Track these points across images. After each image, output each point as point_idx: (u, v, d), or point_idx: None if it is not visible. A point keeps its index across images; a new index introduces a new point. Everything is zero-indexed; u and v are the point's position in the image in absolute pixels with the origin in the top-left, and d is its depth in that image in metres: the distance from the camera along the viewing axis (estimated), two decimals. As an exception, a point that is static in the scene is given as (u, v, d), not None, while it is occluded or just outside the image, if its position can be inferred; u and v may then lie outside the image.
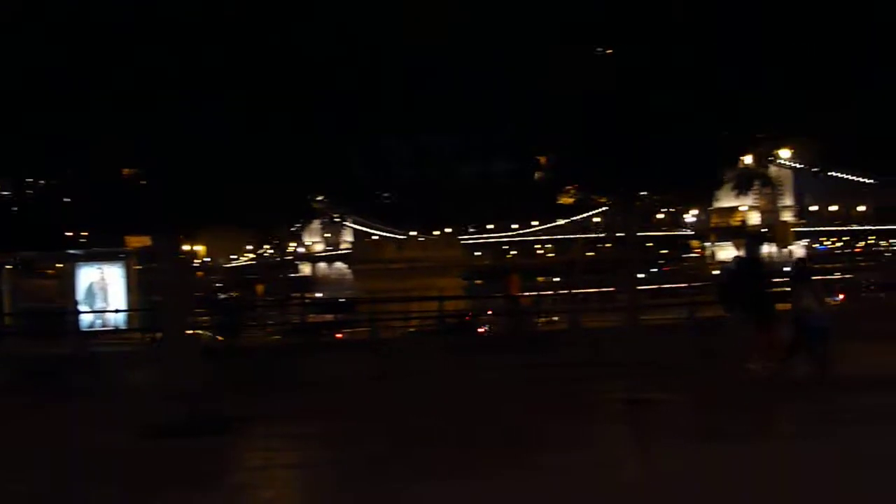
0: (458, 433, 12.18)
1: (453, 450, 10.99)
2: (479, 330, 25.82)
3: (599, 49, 13.47)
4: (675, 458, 10.16)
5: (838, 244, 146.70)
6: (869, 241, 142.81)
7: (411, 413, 14.11)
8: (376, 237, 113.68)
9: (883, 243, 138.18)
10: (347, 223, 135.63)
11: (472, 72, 13.38)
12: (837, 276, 39.69)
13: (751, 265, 16.49)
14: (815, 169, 19.06)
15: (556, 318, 27.07)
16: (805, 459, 9.98)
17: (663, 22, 12.52)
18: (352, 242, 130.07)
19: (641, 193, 15.24)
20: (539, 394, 15.63)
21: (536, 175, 15.60)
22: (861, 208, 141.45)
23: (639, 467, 10.06)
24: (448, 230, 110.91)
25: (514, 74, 12.78)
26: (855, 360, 15.76)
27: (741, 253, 21.38)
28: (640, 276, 16.21)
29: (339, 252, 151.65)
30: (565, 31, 12.47)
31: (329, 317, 36.57)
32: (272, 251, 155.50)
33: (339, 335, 28.19)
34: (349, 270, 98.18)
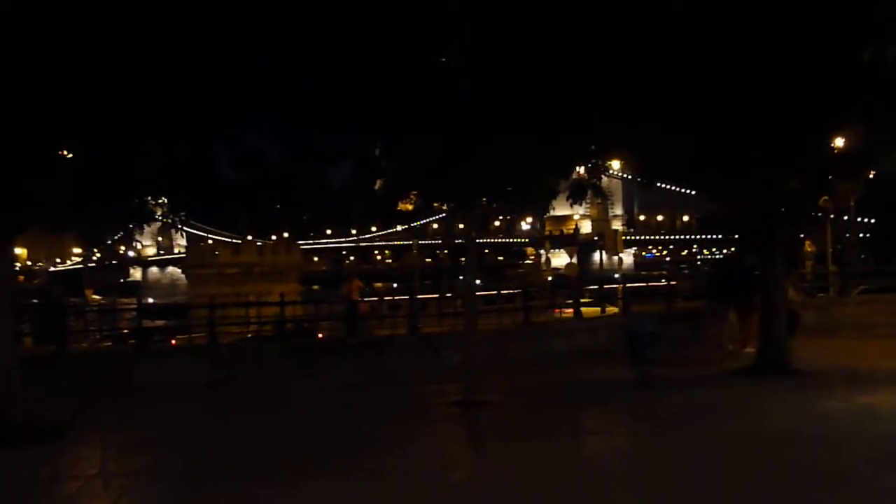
0: (292, 438, 12.23)
1: (287, 454, 11.02)
2: (319, 335, 25.61)
3: (439, 59, 13.70)
4: (505, 456, 10.57)
5: (664, 252, 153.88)
6: (693, 250, 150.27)
7: (244, 419, 14.03)
8: (211, 241, 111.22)
9: (705, 252, 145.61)
10: (181, 227, 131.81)
11: (313, 75, 13.35)
12: (663, 283, 41.65)
13: (735, 266, 20.88)
14: (641, 180, 19.99)
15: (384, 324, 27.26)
16: (620, 451, 10.99)
17: (499, 35, 12.87)
18: (186, 246, 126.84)
19: (481, 200, 15.57)
20: (376, 398, 15.80)
21: (377, 183, 15.69)
22: (685, 218, 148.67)
23: (471, 467, 10.36)
24: (286, 235, 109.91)
25: (354, 80, 12.83)
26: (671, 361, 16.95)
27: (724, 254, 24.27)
28: (477, 282, 16.61)
29: (173, 256, 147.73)
30: (404, 40, 12.63)
31: (160, 322, 35.58)
32: (99, 255, 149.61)
33: (173, 341, 27.52)
34: (183, 275, 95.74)
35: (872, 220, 43.52)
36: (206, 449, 11.65)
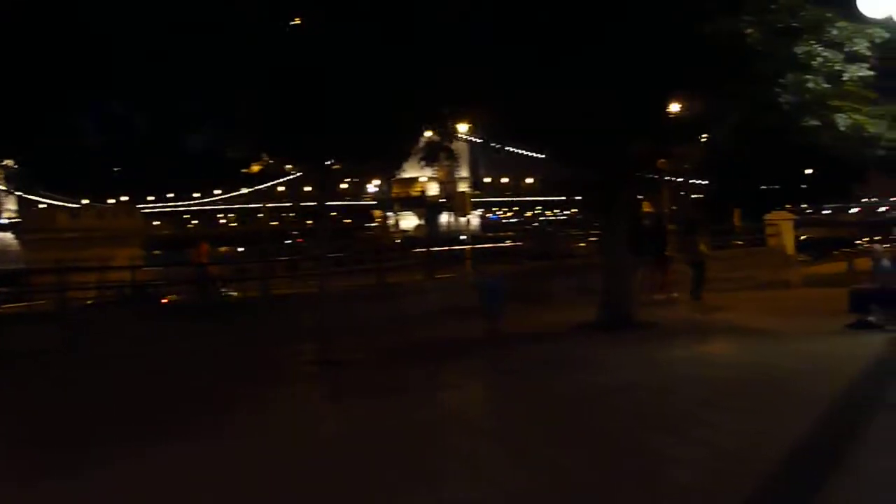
0: (148, 401, 12.15)
1: (144, 418, 10.96)
2: (163, 300, 25.00)
3: (291, 24, 13.67)
4: (362, 412, 10.86)
5: (509, 214, 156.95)
6: (536, 212, 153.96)
7: (97, 384, 13.82)
8: (44, 206, 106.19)
9: (548, 213, 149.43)
10: (6, 189, 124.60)
11: (162, 36, 13.13)
12: (508, 244, 42.95)
13: (657, 225, 24.07)
14: (492, 143, 20.53)
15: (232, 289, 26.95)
16: (471, 403, 11.46)
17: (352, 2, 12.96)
18: (17, 211, 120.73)
19: (331, 164, 15.64)
20: (233, 359, 15.81)
21: (229, 148, 15.56)
22: (529, 180, 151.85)
23: (330, 423, 10.58)
24: (124, 198, 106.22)
25: (209, 44, 12.69)
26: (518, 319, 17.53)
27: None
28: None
29: (4, 221, 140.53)
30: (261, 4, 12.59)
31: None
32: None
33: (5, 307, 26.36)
34: (17, 241, 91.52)
35: (706, 183, 46.02)
36: (63, 414, 11.46)
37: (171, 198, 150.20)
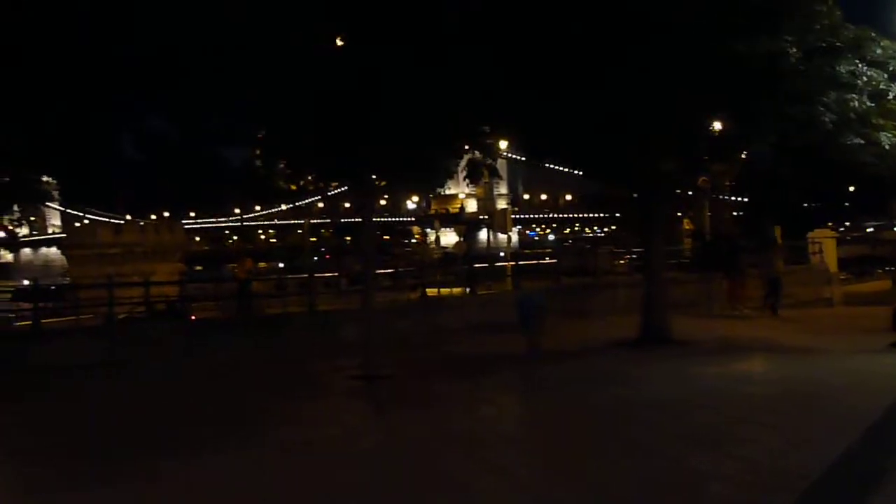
0: (196, 413, 12.39)
1: (193, 428, 11.21)
2: (192, 317, 24.84)
3: (336, 45, 13.93)
4: (404, 424, 11.05)
5: (548, 231, 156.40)
6: (575, 228, 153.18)
7: (144, 396, 14.12)
8: (87, 221, 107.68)
9: (587, 230, 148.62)
10: (51, 206, 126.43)
11: (209, 57, 13.47)
12: (546, 260, 43.04)
13: (726, 241, 25.30)
14: (529, 160, 20.82)
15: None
16: (510, 416, 11.55)
17: (392, 23, 13.20)
18: (61, 226, 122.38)
19: (375, 180, 15.88)
20: (278, 374, 16.05)
21: (277, 165, 15.85)
22: (568, 197, 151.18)
23: (372, 435, 10.77)
24: (166, 214, 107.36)
25: (253, 64, 13.00)
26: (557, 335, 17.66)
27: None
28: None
29: (48, 236, 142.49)
30: (304, 24, 12.88)
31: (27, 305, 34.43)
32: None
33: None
34: (62, 256, 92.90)
35: (746, 199, 45.75)
36: (111, 425, 11.74)
37: (211, 214, 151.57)
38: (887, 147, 15.52)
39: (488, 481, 8.11)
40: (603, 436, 9.88)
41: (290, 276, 40.12)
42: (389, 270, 32.94)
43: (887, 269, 40.15)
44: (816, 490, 7.29)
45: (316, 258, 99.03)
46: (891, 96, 15.22)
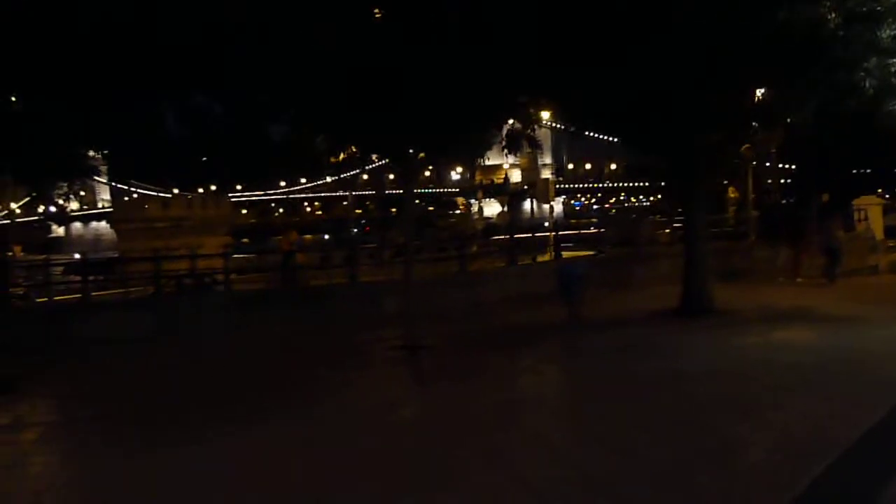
0: (244, 385, 12.74)
1: (241, 399, 11.55)
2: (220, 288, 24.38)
3: (375, 16, 14.06)
4: (446, 394, 11.27)
5: (593, 200, 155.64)
6: (620, 198, 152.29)
7: (193, 369, 14.56)
8: (136, 195, 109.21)
9: (632, 200, 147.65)
10: (100, 180, 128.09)
11: (250, 36, 13.71)
12: (591, 230, 42.96)
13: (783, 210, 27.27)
14: (572, 130, 20.84)
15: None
16: (551, 385, 11.66)
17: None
18: (110, 200, 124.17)
19: (414, 154, 16.01)
20: (323, 344, 16.41)
21: (318, 139, 16.04)
22: (613, 167, 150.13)
23: (416, 404, 11.01)
24: (213, 188, 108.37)
25: (294, 40, 13.19)
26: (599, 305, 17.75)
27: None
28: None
29: (97, 211, 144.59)
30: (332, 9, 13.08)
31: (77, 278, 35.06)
32: (19, 211, 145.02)
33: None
34: (110, 230, 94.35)
35: (793, 167, 44.95)
36: (165, 396, 12.15)
37: (256, 186, 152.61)
38: (929, 111, 15.31)
39: (527, 449, 8.29)
40: (643, 405, 9.96)
41: (335, 248, 40.35)
42: (432, 242, 33.10)
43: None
44: (851, 456, 7.37)
45: (356, 230, 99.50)
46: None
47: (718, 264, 20.68)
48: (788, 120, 19.77)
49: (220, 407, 11.08)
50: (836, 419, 8.63)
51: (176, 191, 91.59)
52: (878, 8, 14.52)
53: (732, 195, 35.50)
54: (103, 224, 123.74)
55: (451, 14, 13.24)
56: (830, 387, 10.27)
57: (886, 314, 16.08)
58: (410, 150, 15.44)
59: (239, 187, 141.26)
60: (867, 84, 15.04)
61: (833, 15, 14.26)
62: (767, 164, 36.16)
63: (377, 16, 14.21)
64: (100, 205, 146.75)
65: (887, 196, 44.56)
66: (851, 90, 15.24)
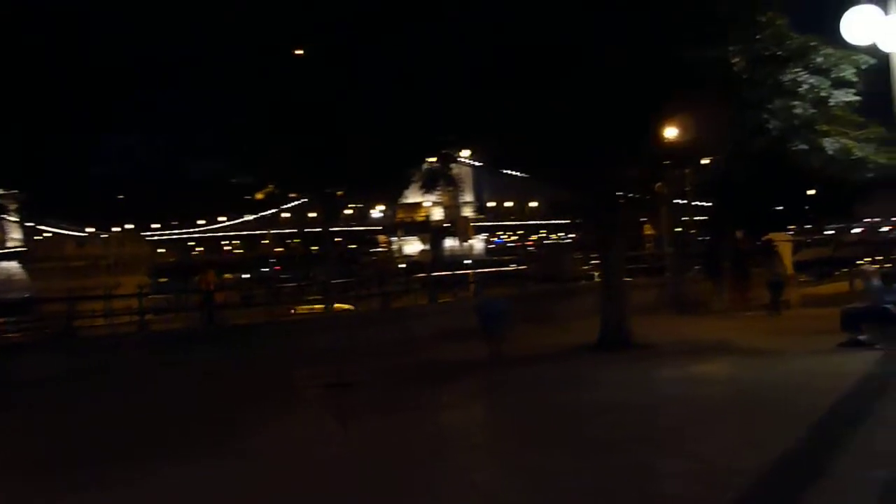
0: (168, 423, 12.53)
1: (166, 438, 11.37)
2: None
3: (297, 55, 14.16)
4: (371, 431, 11.28)
5: (514, 238, 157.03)
6: (541, 234, 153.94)
7: (117, 406, 14.25)
8: (49, 234, 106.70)
9: (553, 236, 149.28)
10: (10, 219, 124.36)
11: (178, 72, 13.69)
12: (512, 267, 43.47)
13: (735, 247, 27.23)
14: (491, 168, 21.19)
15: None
16: (472, 420, 11.98)
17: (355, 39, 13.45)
18: (23, 239, 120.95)
19: (335, 192, 16.11)
20: (247, 383, 16.22)
21: (235, 176, 16.03)
22: (533, 204, 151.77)
23: (339, 441, 10.97)
24: (129, 227, 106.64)
25: (222, 79, 13.21)
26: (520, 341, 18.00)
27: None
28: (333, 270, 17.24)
29: (6, 251, 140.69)
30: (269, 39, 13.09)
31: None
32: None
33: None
34: (23, 270, 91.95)
35: (709, 204, 46.15)
36: (86, 434, 11.90)
37: (175, 225, 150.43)
38: (830, 153, 15.98)
39: (449, 482, 8.37)
40: (562, 437, 10.15)
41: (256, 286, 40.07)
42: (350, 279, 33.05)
43: (845, 270, 40.75)
44: (758, 486, 7.61)
45: (266, 269, 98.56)
46: (832, 103, 15.68)
47: (637, 299, 21.11)
48: (703, 159, 20.42)
49: (134, 447, 10.84)
50: (747, 448, 8.91)
51: (91, 230, 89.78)
52: (779, 53, 15.19)
53: (648, 232, 36.33)
54: (14, 264, 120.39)
55: (377, 59, 13.42)
56: (742, 418, 10.63)
57: (795, 346, 16.58)
58: (332, 189, 15.54)
59: (157, 226, 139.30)
60: (772, 125, 15.67)
61: (738, 58, 14.86)
62: (683, 201, 37.07)
63: (299, 54, 14.32)
64: (10, 244, 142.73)
65: (801, 232, 45.97)
66: (759, 130, 15.85)
